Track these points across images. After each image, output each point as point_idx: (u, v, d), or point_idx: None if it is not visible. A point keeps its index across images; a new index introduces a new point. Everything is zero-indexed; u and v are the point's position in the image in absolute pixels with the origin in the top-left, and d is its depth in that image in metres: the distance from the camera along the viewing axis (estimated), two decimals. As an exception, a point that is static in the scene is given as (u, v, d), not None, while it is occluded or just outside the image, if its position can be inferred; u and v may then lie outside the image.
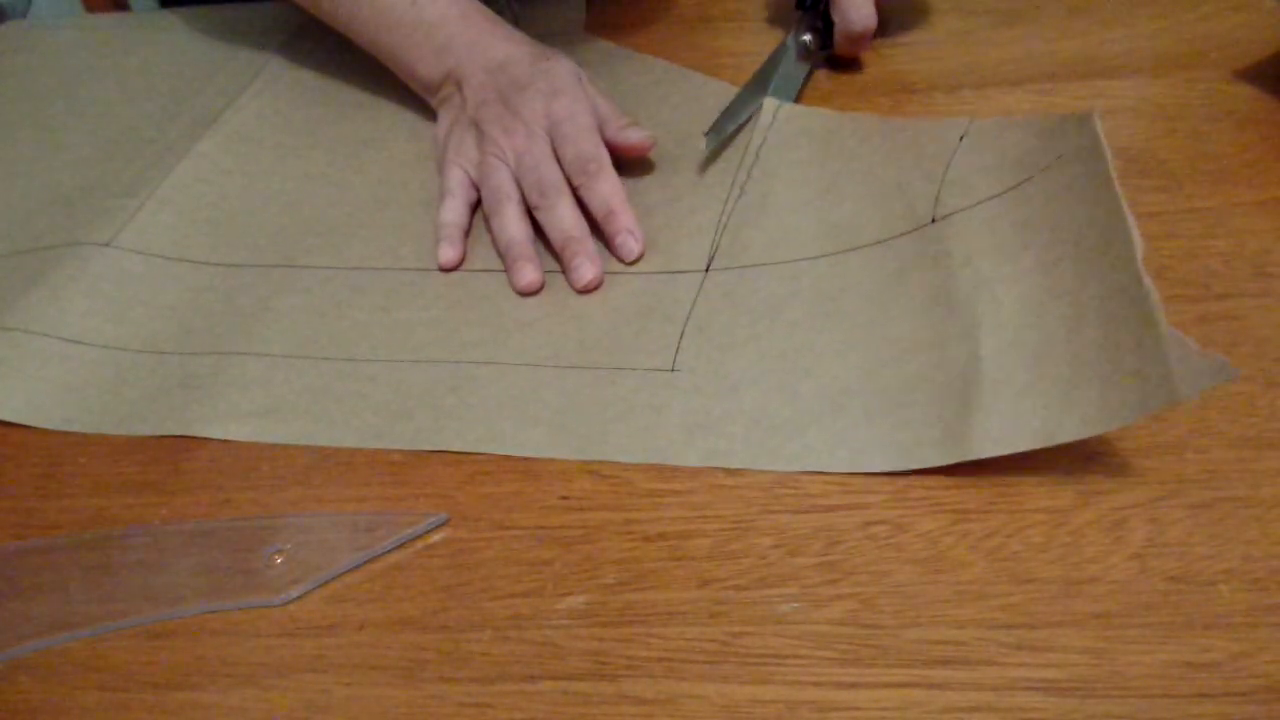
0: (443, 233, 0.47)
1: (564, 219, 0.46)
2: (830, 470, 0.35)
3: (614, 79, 0.56)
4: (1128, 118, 0.48)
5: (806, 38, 0.54)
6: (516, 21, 0.61)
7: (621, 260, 0.45)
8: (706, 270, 0.44)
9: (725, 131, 0.48)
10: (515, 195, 0.47)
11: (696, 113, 0.53)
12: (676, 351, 0.40)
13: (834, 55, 0.55)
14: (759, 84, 0.52)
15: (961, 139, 0.44)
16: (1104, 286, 0.34)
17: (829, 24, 0.54)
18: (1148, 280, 0.33)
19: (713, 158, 0.49)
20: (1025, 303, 0.36)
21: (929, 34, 0.57)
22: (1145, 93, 0.50)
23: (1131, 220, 0.35)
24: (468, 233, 0.48)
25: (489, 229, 0.48)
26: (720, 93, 0.54)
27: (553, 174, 0.47)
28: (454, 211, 0.48)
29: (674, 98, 0.55)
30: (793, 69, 0.54)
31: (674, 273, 0.44)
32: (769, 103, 0.50)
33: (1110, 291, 0.34)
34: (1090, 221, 0.36)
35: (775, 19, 0.61)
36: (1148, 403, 0.31)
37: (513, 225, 0.46)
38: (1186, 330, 0.37)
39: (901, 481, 0.35)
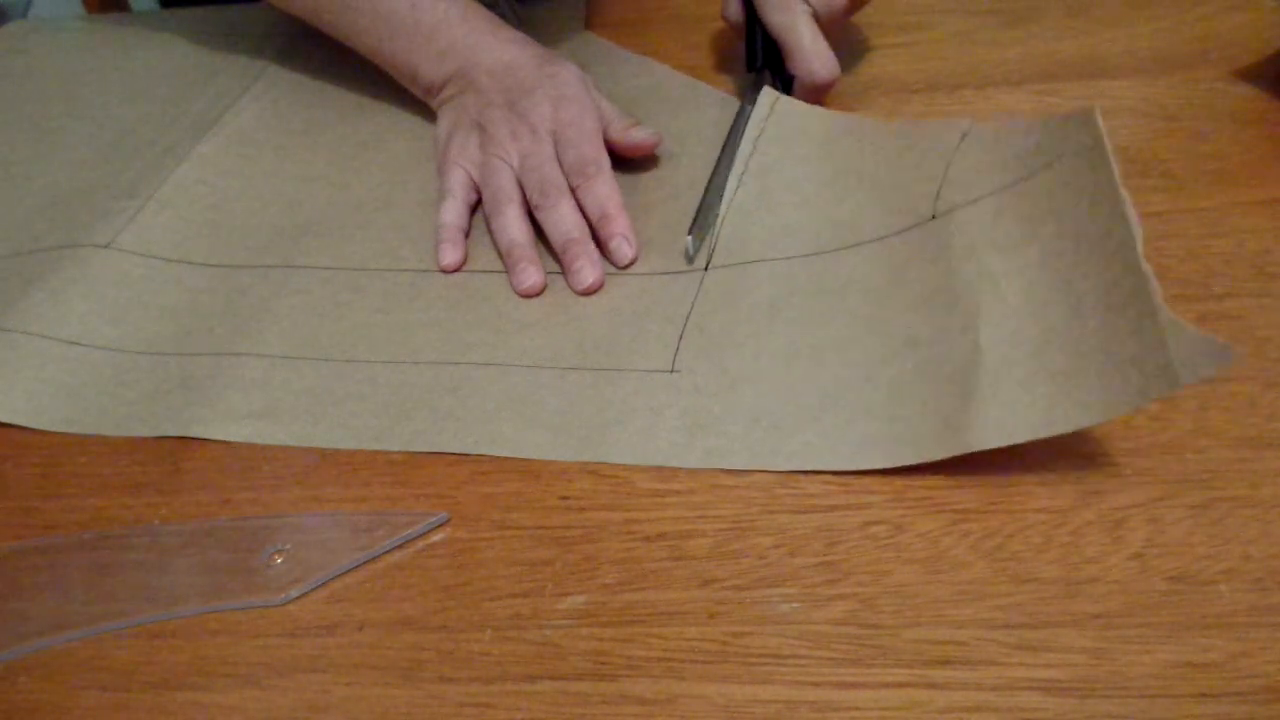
0: (443, 234, 0.47)
1: (565, 219, 0.46)
2: (831, 468, 0.35)
3: (614, 80, 0.56)
4: (1128, 118, 0.48)
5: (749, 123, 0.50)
6: (519, 22, 0.61)
7: (615, 264, 0.45)
8: (706, 269, 0.44)
9: (708, 228, 0.45)
10: (517, 197, 0.47)
11: (695, 118, 0.53)
12: (676, 352, 0.40)
13: None
14: (727, 162, 0.47)
15: (963, 138, 0.44)
16: (1104, 277, 0.34)
17: (786, 79, 0.51)
18: (1146, 267, 0.32)
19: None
20: (1028, 295, 0.36)
21: (929, 34, 0.57)
22: (1145, 93, 0.50)
23: (1132, 210, 0.34)
24: (467, 234, 0.48)
25: (490, 230, 0.48)
26: (719, 100, 0.54)
27: (555, 175, 0.47)
28: (454, 213, 0.48)
29: (673, 102, 0.55)
30: None
31: (674, 273, 0.44)
32: (767, 93, 0.50)
33: (1110, 282, 0.34)
34: (1092, 214, 0.36)
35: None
36: (1148, 390, 0.31)
37: (514, 226, 0.46)
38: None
39: (901, 481, 0.35)
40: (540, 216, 0.47)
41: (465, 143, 0.50)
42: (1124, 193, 0.35)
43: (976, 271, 0.38)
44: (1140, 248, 0.33)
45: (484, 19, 0.53)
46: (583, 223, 0.46)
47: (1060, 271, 0.36)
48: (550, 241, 0.46)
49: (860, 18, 0.56)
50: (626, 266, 0.45)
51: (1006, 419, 0.33)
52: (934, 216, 0.41)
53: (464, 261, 0.47)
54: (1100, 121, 0.38)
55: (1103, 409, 0.32)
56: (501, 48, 0.51)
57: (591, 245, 0.45)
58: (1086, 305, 0.34)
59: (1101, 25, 0.55)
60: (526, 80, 0.49)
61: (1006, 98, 0.51)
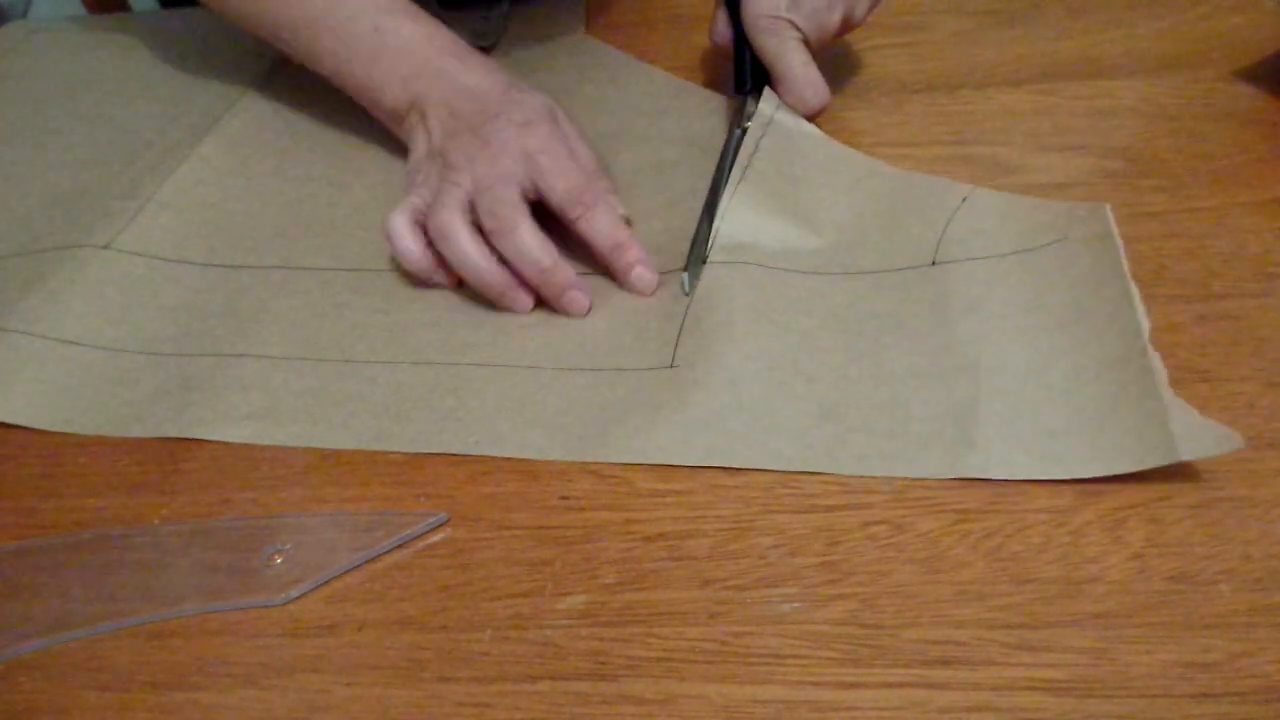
0: (423, 278, 0.45)
1: (529, 249, 0.42)
2: (830, 471, 0.35)
3: (615, 86, 0.56)
4: (1128, 118, 0.48)
5: (749, 125, 0.49)
6: (505, 30, 0.61)
7: (639, 294, 0.43)
8: (704, 262, 0.44)
9: (700, 265, 0.43)
10: (464, 223, 0.44)
11: (694, 125, 0.53)
12: (675, 347, 0.40)
13: None
14: (716, 195, 0.46)
15: (963, 201, 0.45)
16: (1108, 354, 0.36)
17: None
18: (1153, 354, 0.35)
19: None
20: (1028, 356, 0.37)
21: (929, 34, 0.57)
22: (1145, 93, 0.50)
23: (1140, 303, 0.37)
24: (443, 264, 0.45)
25: (451, 264, 0.44)
26: (718, 106, 0.54)
27: (508, 194, 0.43)
28: (418, 259, 0.45)
29: (674, 110, 0.55)
30: None
31: (673, 271, 0.44)
32: (769, 95, 0.50)
33: (1114, 359, 0.36)
34: (1098, 294, 0.38)
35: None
36: (1145, 458, 0.33)
37: (473, 255, 0.43)
38: (1187, 330, 0.38)
39: (901, 481, 0.35)
40: (498, 244, 0.43)
41: (428, 173, 0.47)
42: (1133, 286, 0.37)
43: (976, 324, 0.39)
44: (1146, 337, 0.35)
45: (451, 43, 0.49)
46: (548, 244, 0.43)
47: (1063, 339, 0.37)
48: (520, 274, 0.43)
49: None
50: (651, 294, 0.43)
51: (1003, 459, 0.34)
52: (933, 263, 0.42)
53: (461, 282, 0.45)
54: (1111, 217, 0.40)
55: (1097, 466, 0.33)
56: (466, 73, 0.48)
57: (568, 269, 0.43)
58: (1088, 374, 0.36)
59: (1101, 25, 0.55)
60: (490, 106, 0.46)
61: (1006, 98, 0.51)
